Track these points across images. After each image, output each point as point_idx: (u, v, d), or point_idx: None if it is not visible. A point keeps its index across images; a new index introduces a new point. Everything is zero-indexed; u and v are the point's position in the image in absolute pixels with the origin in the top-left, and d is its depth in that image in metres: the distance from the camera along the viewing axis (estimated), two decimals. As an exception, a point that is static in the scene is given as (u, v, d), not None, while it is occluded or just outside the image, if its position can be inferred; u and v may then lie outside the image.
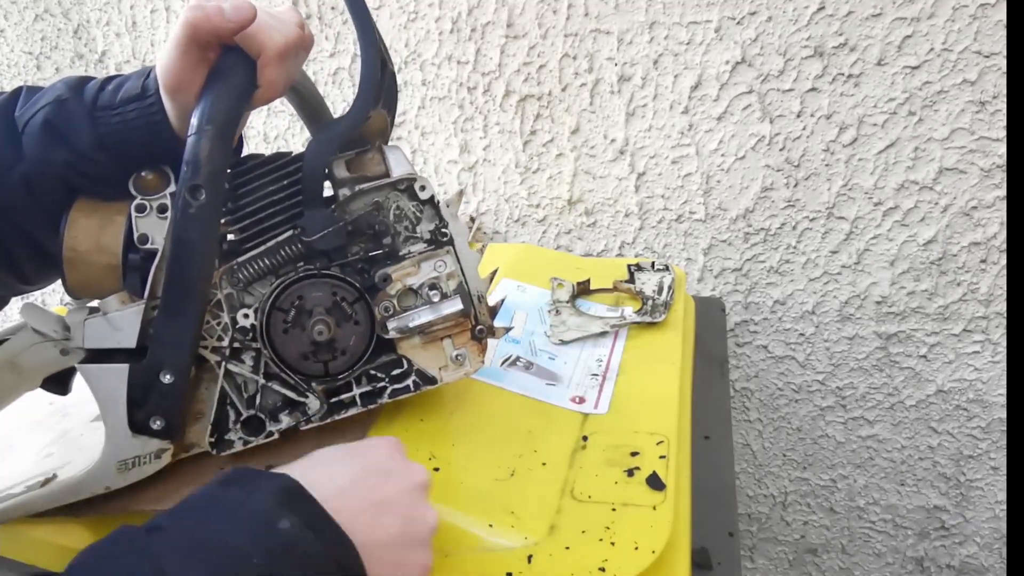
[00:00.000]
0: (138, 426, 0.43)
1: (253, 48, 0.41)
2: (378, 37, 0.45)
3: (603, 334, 0.62)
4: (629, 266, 0.73)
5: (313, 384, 0.46)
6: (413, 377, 0.47)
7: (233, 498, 0.34)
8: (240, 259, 0.44)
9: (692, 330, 0.70)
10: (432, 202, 0.46)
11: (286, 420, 0.46)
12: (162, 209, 0.43)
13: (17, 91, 0.47)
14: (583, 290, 0.70)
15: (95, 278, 0.44)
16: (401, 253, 0.46)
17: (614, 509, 0.42)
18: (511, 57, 0.87)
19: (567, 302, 0.67)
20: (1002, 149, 0.77)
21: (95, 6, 1.00)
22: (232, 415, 0.45)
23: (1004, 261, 0.81)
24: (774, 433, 0.99)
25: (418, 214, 0.46)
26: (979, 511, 0.94)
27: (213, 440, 0.45)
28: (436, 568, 0.40)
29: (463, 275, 0.47)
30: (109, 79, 0.46)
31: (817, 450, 0.98)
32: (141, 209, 0.43)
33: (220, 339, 0.44)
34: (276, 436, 0.46)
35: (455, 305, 0.46)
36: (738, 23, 0.79)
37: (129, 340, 0.42)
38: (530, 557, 0.40)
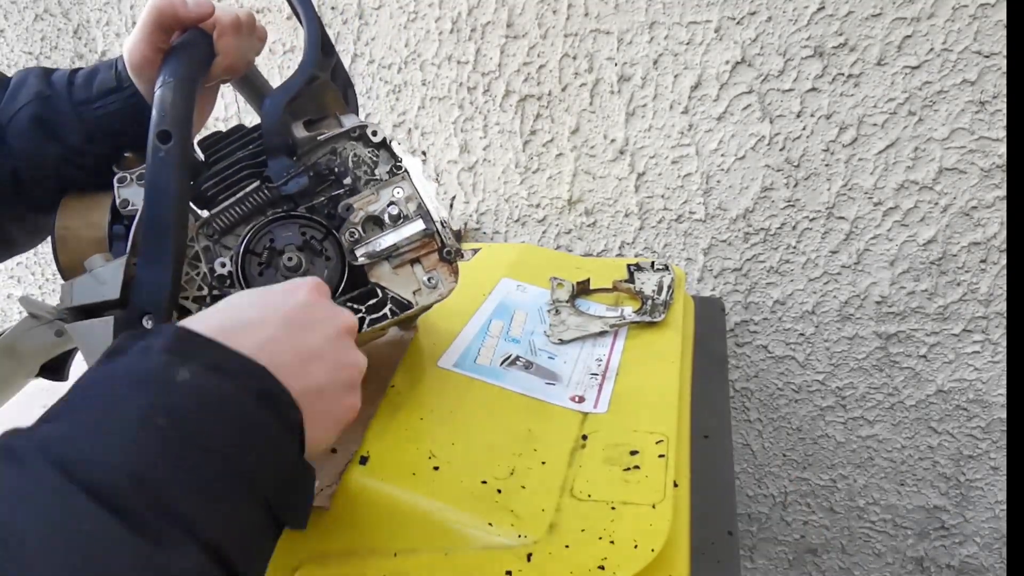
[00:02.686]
0: None
1: (209, 25, 0.46)
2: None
3: (603, 334, 0.62)
4: (629, 266, 0.73)
5: None
6: (389, 305, 0.48)
7: (122, 366, 0.30)
8: (213, 211, 0.47)
9: (692, 330, 0.70)
10: (385, 144, 0.49)
11: None
12: (141, 177, 0.46)
13: None
14: (583, 290, 0.70)
15: (85, 253, 0.46)
16: (362, 192, 0.49)
17: (613, 508, 0.42)
18: (511, 57, 0.87)
19: (567, 302, 0.67)
20: (1002, 149, 0.77)
21: (95, 6, 1.00)
22: None
23: (1004, 261, 0.81)
24: (774, 433, 0.99)
25: (374, 158, 0.49)
26: (979, 511, 0.94)
27: None
28: (436, 567, 0.41)
29: (421, 198, 0.49)
30: (75, 71, 0.48)
31: (817, 450, 0.98)
32: (122, 180, 0.46)
33: (200, 289, 0.47)
34: None
35: (417, 225, 0.48)
36: (738, 23, 0.79)
37: (113, 292, 0.44)
38: (529, 556, 0.40)
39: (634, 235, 0.92)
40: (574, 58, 0.85)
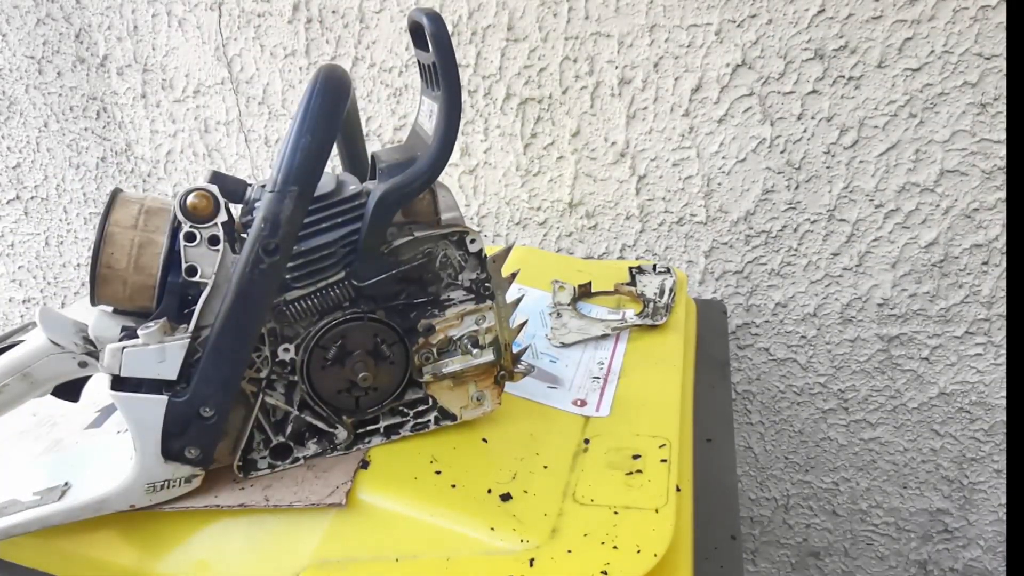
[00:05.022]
0: (172, 454, 0.43)
1: None
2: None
3: (604, 337, 0.62)
4: (630, 268, 0.73)
5: (343, 416, 0.47)
6: (435, 413, 0.49)
7: None
8: (289, 296, 0.43)
9: (694, 332, 0.70)
10: (479, 255, 0.46)
11: (313, 448, 0.47)
12: (213, 241, 0.42)
13: None
14: (584, 292, 0.70)
15: (127, 295, 0.43)
16: (442, 298, 0.47)
17: (616, 512, 0.42)
18: (512, 60, 0.87)
19: (568, 305, 0.67)
20: (1004, 151, 0.76)
21: (96, 10, 1.00)
22: (259, 438, 0.46)
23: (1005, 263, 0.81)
24: (776, 436, 0.98)
25: (462, 263, 0.46)
26: (982, 514, 0.94)
27: (241, 464, 0.46)
28: (438, 573, 0.40)
29: (499, 330, 0.48)
30: None
31: (819, 453, 0.97)
32: (191, 238, 0.42)
33: (258, 371, 0.44)
34: (302, 462, 0.47)
35: (488, 356, 0.48)
36: (738, 26, 0.79)
37: (171, 372, 0.42)
38: (532, 561, 0.39)
39: (635, 238, 0.92)
40: (575, 61, 0.85)
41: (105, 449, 0.51)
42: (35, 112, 1.08)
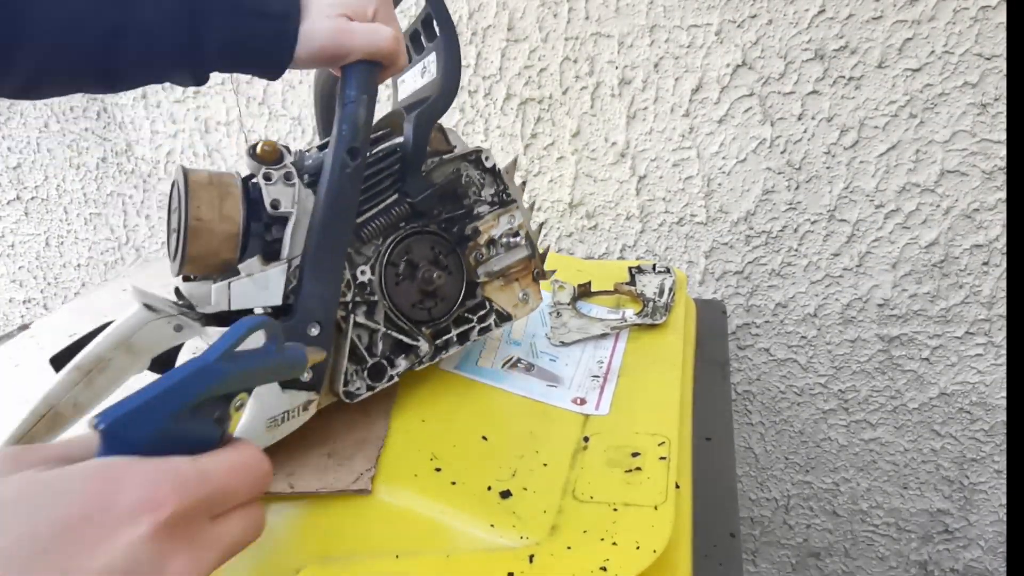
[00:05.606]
0: (287, 381, 0.45)
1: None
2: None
3: (604, 336, 0.62)
4: (630, 268, 0.73)
5: (422, 328, 0.51)
6: (494, 316, 0.54)
7: None
8: (360, 219, 0.48)
9: (693, 332, 0.70)
10: (494, 170, 0.53)
11: (403, 364, 0.50)
12: (288, 177, 0.46)
13: None
14: (584, 292, 0.70)
15: (215, 247, 0.45)
16: (475, 212, 0.53)
17: (615, 509, 0.42)
18: (512, 60, 0.87)
19: (568, 304, 0.67)
20: (1004, 151, 0.77)
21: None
22: (353, 367, 0.49)
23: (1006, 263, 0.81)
24: (776, 436, 0.98)
25: (482, 180, 0.53)
26: (983, 515, 0.94)
27: (345, 391, 0.48)
28: (438, 569, 0.40)
29: (528, 227, 0.55)
30: None
31: (820, 453, 0.97)
32: (268, 178, 0.46)
33: (343, 295, 0.48)
34: (396, 380, 0.50)
35: (524, 251, 0.55)
36: (739, 26, 0.79)
37: (276, 298, 0.45)
38: (531, 557, 0.39)
39: (635, 238, 0.92)
40: (575, 61, 0.85)
41: None
42: (35, 113, 1.09)
